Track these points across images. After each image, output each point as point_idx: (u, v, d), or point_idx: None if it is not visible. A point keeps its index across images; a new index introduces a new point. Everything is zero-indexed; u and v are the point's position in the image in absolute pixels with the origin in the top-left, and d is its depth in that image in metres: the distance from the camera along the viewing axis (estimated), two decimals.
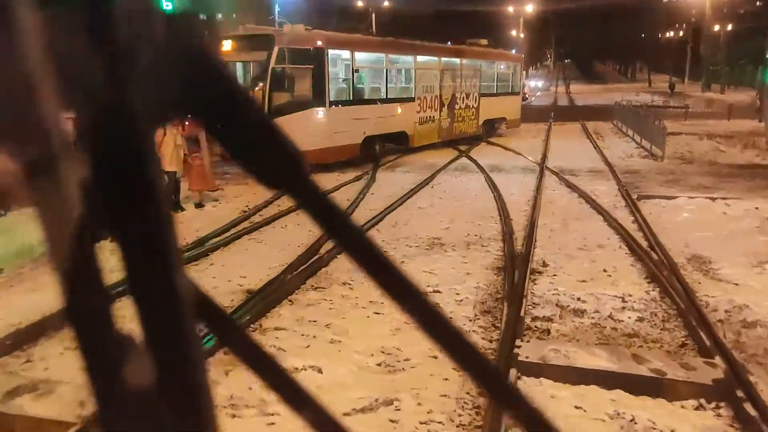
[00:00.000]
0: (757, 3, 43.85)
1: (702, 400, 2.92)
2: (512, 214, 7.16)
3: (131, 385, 0.27)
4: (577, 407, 2.88)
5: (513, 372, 3.10)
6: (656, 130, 12.43)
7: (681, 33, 50.86)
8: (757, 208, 7.26)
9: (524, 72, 26.32)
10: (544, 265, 5.34)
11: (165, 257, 0.26)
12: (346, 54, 11.35)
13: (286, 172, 0.29)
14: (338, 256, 5.73)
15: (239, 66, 10.57)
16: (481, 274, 5.13)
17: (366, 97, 12.00)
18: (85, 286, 0.26)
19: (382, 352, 3.57)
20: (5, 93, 0.24)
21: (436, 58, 14.00)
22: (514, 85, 18.03)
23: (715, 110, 23.53)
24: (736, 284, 4.74)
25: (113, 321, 0.27)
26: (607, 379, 3.04)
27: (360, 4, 33.66)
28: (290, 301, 4.50)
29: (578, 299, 4.46)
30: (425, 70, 13.59)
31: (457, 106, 14.84)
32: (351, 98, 11.40)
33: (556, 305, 4.34)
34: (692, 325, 3.79)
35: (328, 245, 6.00)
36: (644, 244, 5.81)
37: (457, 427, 2.80)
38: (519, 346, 3.39)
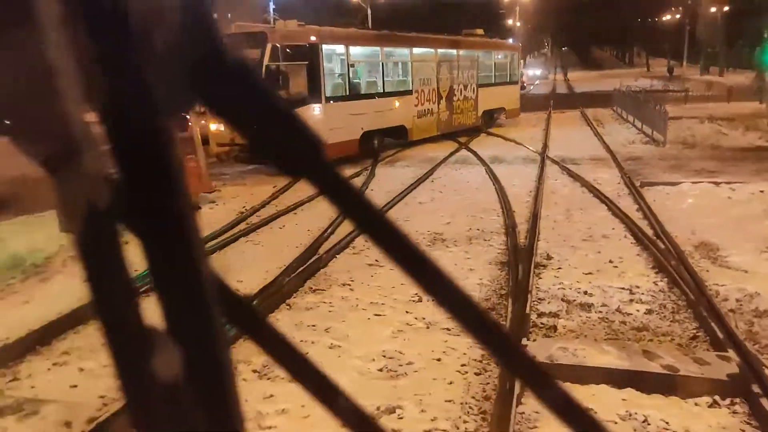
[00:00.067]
0: None
1: (716, 397, 2.81)
2: (514, 206, 7.03)
3: (158, 377, 0.26)
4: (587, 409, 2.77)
5: None
6: (657, 115, 12.26)
7: (678, 16, 50.34)
8: (762, 191, 7.12)
9: (522, 61, 26.09)
10: (549, 258, 5.22)
11: (189, 249, 0.26)
12: (340, 49, 11.19)
13: (306, 158, 0.29)
14: (337, 256, 5.63)
15: None
16: (485, 269, 5.02)
17: (363, 91, 11.83)
18: (111, 278, 0.26)
19: (384, 356, 3.47)
20: (27, 85, 0.24)
21: (432, 50, 13.81)
22: (512, 74, 17.82)
23: (714, 93, 23.31)
24: (746, 271, 4.62)
25: (140, 313, 0.27)
26: (617, 378, 2.94)
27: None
28: (288, 305, 4.40)
29: (585, 293, 4.35)
30: (422, 62, 13.41)
31: (455, 98, 14.67)
32: (347, 93, 11.24)
33: (562, 300, 4.23)
34: (703, 316, 3.68)
35: (327, 245, 5.90)
36: (650, 232, 5.69)
37: None
38: (525, 346, 3.28)
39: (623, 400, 2.82)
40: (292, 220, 7.18)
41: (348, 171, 10.21)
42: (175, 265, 0.26)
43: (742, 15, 37.55)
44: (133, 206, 0.26)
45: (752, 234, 5.51)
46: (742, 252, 5.03)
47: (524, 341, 3.37)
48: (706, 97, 22.28)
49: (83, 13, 0.23)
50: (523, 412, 2.77)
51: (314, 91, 10.30)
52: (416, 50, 13.21)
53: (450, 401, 2.95)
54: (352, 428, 0.34)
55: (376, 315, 4.13)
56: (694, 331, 3.62)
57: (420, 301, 4.37)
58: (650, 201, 6.88)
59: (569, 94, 30.95)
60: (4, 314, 4.29)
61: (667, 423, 2.66)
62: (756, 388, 2.74)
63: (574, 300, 4.22)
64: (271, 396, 2.98)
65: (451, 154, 11.98)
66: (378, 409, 2.88)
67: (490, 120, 16.49)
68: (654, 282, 4.48)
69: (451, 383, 3.15)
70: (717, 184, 7.60)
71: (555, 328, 3.78)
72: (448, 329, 3.83)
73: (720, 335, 3.35)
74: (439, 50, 14.04)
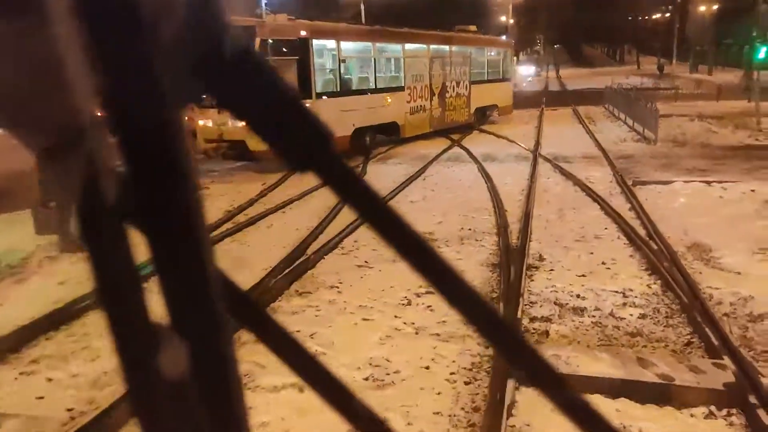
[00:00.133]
0: None
1: (712, 407, 2.73)
2: (506, 205, 6.94)
3: (163, 373, 0.26)
4: None
5: (510, 383, 2.89)
6: (648, 113, 12.25)
7: (668, 14, 50.65)
8: (753, 190, 7.10)
9: (515, 58, 26.04)
10: (541, 259, 5.13)
11: (196, 245, 0.26)
12: (331, 44, 11.00)
13: (315, 151, 0.29)
14: (326, 257, 5.49)
15: None
16: (476, 270, 4.92)
17: (354, 87, 11.66)
18: (117, 271, 0.26)
19: (370, 364, 3.35)
20: (36, 74, 0.24)
21: (425, 46, 13.67)
22: (505, 71, 17.74)
23: (703, 91, 23.44)
24: (739, 273, 4.57)
25: (145, 306, 0.26)
26: (611, 387, 2.85)
27: None
28: (272, 309, 4.25)
29: (577, 296, 4.26)
30: (414, 58, 13.27)
31: (448, 95, 14.55)
32: (338, 89, 11.07)
33: (555, 303, 4.14)
34: (697, 320, 3.61)
35: (316, 245, 5.76)
36: (642, 232, 5.63)
37: None
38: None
39: (617, 411, 2.73)
40: (281, 219, 7.02)
41: None
42: (183, 262, 0.26)
43: (731, 14, 37.88)
44: (140, 201, 0.25)
45: (744, 234, 5.47)
46: (735, 253, 4.98)
47: None
48: (695, 95, 22.41)
49: (91, 2, 0.23)
50: (514, 425, 2.67)
51: (304, 87, 10.10)
52: (408, 46, 13.06)
53: (438, 413, 2.83)
54: (358, 427, 0.34)
55: (363, 319, 4.01)
56: (689, 336, 3.55)
57: (409, 304, 4.25)
58: (642, 200, 6.83)
59: (561, 91, 30.96)
60: None
61: None
62: (753, 399, 2.66)
63: (567, 303, 4.13)
64: (251, 408, 2.84)
65: (444, 151, 11.87)
66: None
67: (482, 117, 16.41)
68: (647, 285, 4.41)
69: (439, 393, 3.04)
70: (708, 183, 7.58)
71: (547, 333, 3.68)
72: (437, 335, 3.72)
73: (714, 341, 3.28)
74: (432, 46, 13.89)
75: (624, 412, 2.72)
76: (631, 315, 3.88)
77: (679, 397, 2.77)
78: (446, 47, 14.49)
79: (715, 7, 40.22)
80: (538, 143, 12.11)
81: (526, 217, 6.23)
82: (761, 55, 14.72)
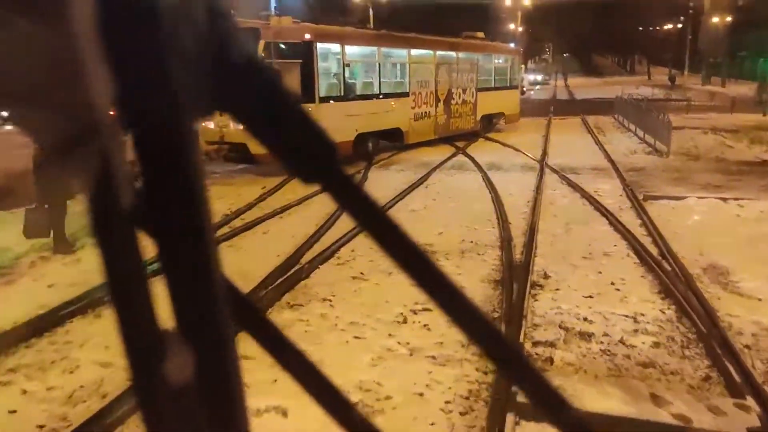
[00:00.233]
0: None
1: None
2: (511, 218, 6.68)
3: (170, 377, 0.26)
4: None
5: (510, 417, 2.63)
6: (660, 125, 11.95)
7: (680, 25, 50.27)
8: None
9: (523, 65, 25.80)
10: (546, 277, 4.86)
11: (203, 248, 0.26)
12: (336, 48, 10.82)
13: (321, 165, 0.29)
14: (320, 267, 5.26)
15: None
16: (477, 287, 4.66)
17: (358, 92, 11.47)
18: (127, 269, 0.26)
19: (360, 389, 3.09)
20: (53, 67, 0.24)
21: (431, 52, 13.47)
22: (512, 78, 17.50)
23: (717, 103, 23.06)
24: (760, 299, 4.27)
25: (153, 308, 0.26)
26: (622, 427, 2.58)
27: (357, 0, 33.09)
28: None
29: (584, 319, 3.98)
30: (420, 64, 13.07)
31: (453, 101, 14.32)
32: (342, 94, 10.88)
33: (560, 327, 3.87)
34: (716, 352, 3.33)
35: (311, 254, 5.54)
36: (654, 251, 5.34)
37: None
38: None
39: None
40: (277, 225, 6.81)
41: None
42: (190, 265, 0.26)
43: (745, 26, 37.48)
44: (150, 202, 0.25)
45: (765, 256, 5.16)
46: (755, 277, 4.68)
47: None
48: (708, 107, 22.04)
49: (110, 6, 0.23)
50: None
51: (307, 91, 9.92)
52: (414, 51, 12.86)
53: None
54: None
55: (355, 338, 3.76)
56: (707, 370, 3.26)
57: (405, 322, 4.00)
58: (654, 216, 6.54)
59: (570, 100, 30.67)
60: None
61: None
62: None
63: (573, 327, 3.86)
64: None
65: (448, 159, 11.63)
66: None
67: (488, 125, 16.16)
68: (660, 310, 4.12)
69: (432, 424, 2.79)
70: (724, 200, 7.26)
71: (551, 360, 3.41)
72: (433, 357, 3.47)
73: (736, 377, 3.00)
74: (438, 52, 13.70)
75: None
76: (643, 343, 3.60)
77: None
78: (453, 53, 14.29)
79: (729, 18, 39.85)
80: (545, 153, 11.84)
81: (531, 231, 5.97)
82: None
